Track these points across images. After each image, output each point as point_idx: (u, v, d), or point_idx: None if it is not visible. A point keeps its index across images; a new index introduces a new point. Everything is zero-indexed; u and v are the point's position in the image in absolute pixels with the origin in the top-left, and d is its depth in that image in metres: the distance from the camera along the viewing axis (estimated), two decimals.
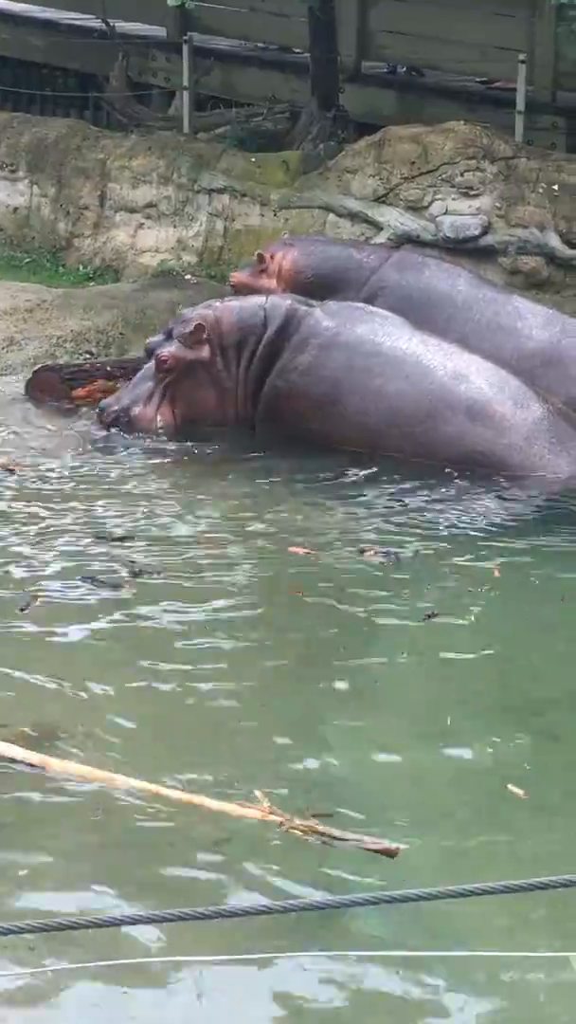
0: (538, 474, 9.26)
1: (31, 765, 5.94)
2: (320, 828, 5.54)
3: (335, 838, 5.51)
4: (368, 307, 10.22)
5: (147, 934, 5.05)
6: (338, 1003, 4.96)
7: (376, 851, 5.46)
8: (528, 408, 9.39)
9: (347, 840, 5.51)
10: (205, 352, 10.04)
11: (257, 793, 5.54)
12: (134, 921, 4.57)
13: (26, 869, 5.47)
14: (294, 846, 5.53)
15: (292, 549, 8.30)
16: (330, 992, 4.98)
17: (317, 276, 10.93)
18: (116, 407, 10.07)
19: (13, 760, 5.98)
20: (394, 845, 5.47)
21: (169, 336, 10.17)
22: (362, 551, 8.27)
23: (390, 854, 5.44)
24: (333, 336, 9.90)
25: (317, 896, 5.22)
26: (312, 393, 9.86)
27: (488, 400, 9.41)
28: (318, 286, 10.77)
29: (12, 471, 9.34)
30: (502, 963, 5.10)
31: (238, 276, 11.41)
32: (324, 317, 10.03)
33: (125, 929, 4.99)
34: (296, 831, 5.52)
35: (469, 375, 9.52)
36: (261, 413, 10.09)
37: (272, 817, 5.47)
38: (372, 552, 8.25)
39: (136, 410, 10.03)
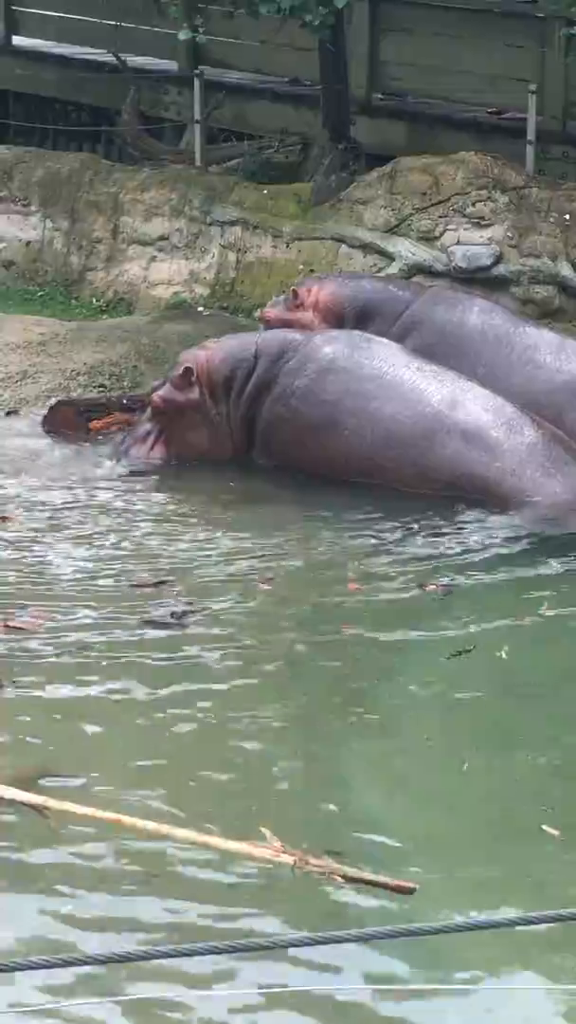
0: (531, 498, 9.29)
1: (35, 808, 5.90)
2: (335, 867, 5.49)
3: (350, 877, 5.47)
4: (366, 335, 10.27)
5: (161, 969, 5.02)
6: None
7: (392, 888, 5.43)
8: (522, 433, 9.48)
9: (362, 879, 5.47)
10: (194, 394, 10.21)
11: (265, 832, 5.51)
12: (145, 957, 4.54)
13: (38, 909, 5.45)
14: (307, 882, 5.50)
15: (352, 587, 8.33)
16: None
17: (354, 307, 10.91)
18: (118, 447, 10.33)
19: (20, 803, 5.94)
20: (410, 883, 5.43)
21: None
22: (421, 586, 8.33)
23: (406, 892, 5.41)
24: (331, 361, 9.99)
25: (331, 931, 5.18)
26: (311, 417, 9.91)
27: (483, 424, 9.51)
28: (354, 317, 10.78)
29: (5, 519, 9.30)
30: (518, 997, 5.07)
31: (272, 312, 11.14)
32: (323, 343, 10.13)
33: (135, 965, 4.97)
34: (310, 870, 5.48)
35: (465, 400, 9.63)
36: (260, 443, 10.13)
37: (285, 857, 5.42)
38: (434, 587, 8.32)
39: (132, 449, 10.28)
